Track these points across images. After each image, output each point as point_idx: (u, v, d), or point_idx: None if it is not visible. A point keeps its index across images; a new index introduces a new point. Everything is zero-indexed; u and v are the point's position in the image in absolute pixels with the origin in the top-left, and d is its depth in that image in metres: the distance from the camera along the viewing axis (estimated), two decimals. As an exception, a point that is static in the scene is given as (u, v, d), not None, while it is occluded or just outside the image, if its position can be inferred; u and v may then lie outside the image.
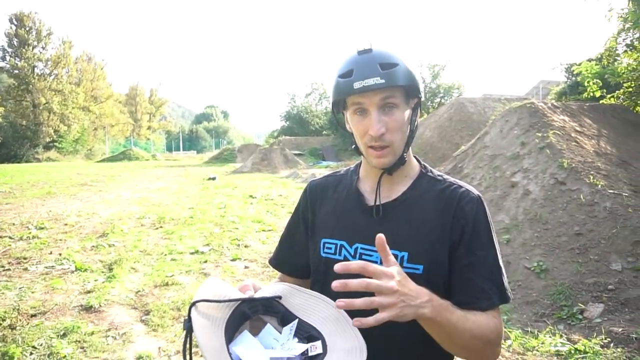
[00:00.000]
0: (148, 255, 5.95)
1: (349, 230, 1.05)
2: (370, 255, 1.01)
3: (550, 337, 3.34)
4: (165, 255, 5.96)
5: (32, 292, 4.44)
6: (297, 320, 0.88)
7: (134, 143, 45.78)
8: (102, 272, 5.19)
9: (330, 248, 1.07)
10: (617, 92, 11.08)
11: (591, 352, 3.03)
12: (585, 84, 11.60)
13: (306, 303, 0.92)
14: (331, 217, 1.10)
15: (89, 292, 4.48)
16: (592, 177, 5.24)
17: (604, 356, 2.98)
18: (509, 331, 3.44)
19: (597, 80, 11.37)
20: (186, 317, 0.81)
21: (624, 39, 11.49)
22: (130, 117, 54.91)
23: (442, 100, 32.12)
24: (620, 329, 3.29)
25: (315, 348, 0.83)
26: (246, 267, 5.55)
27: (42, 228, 7.49)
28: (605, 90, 11.30)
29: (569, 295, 3.93)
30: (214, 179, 16.99)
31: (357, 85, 0.93)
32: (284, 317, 0.90)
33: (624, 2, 10.73)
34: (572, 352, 3.08)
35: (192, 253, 6.09)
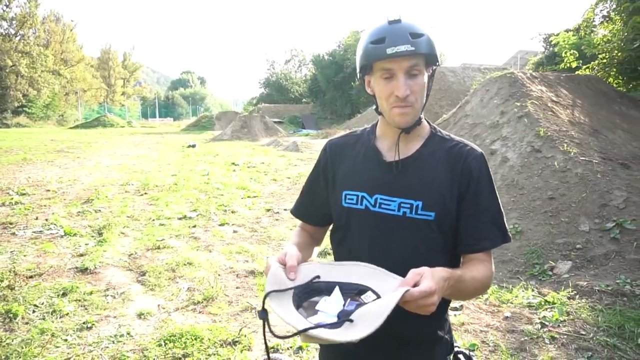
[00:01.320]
0: (136, 221, 6.02)
1: (368, 182, 1.20)
2: (389, 205, 1.16)
3: (523, 291, 3.64)
4: (154, 220, 6.05)
5: (25, 256, 4.50)
6: (338, 286, 1.02)
7: (108, 109, 44.51)
8: (92, 236, 5.26)
9: (352, 199, 1.21)
10: (592, 63, 11.38)
11: (559, 303, 3.33)
12: (563, 54, 11.86)
13: (342, 270, 1.06)
14: (351, 171, 1.24)
15: (82, 255, 4.57)
16: (565, 145, 5.52)
17: (570, 306, 3.28)
18: (486, 286, 3.72)
19: (574, 51, 11.64)
20: (260, 310, 0.95)
21: (601, 10, 11.72)
22: (103, 82, 53.13)
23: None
24: (585, 283, 3.61)
25: (368, 296, 0.98)
26: (235, 232, 5.69)
27: (24, 194, 7.43)
28: (581, 61, 11.59)
29: (540, 254, 4.24)
30: (194, 146, 16.86)
31: (389, 50, 1.05)
32: (329, 291, 1.03)
33: (603, -27, 10.90)
34: (542, 303, 3.38)
35: (180, 218, 6.19)
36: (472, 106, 7.53)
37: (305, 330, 0.85)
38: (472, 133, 6.84)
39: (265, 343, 1.05)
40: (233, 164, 11.91)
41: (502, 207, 1.19)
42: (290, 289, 0.99)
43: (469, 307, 3.43)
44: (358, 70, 1.18)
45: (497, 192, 1.19)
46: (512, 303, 3.46)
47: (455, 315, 3.26)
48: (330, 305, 0.98)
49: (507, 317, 3.24)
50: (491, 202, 1.17)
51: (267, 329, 0.95)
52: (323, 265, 1.09)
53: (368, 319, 0.86)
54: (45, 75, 38.43)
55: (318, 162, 1.34)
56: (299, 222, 1.42)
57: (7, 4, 37.63)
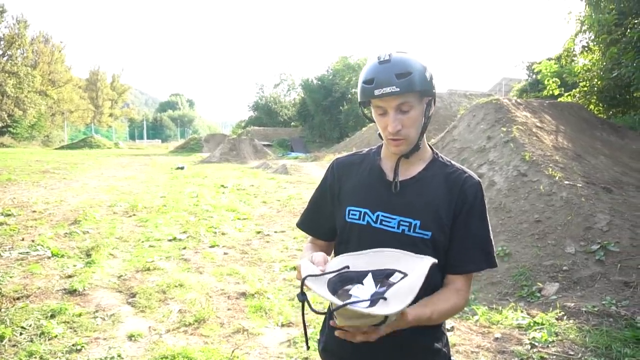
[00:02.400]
0: (125, 242, 5.97)
1: (371, 200, 1.28)
2: (389, 222, 1.24)
3: (512, 312, 3.69)
4: (143, 242, 6.00)
5: (11, 277, 4.42)
6: (370, 273, 1.09)
7: (95, 130, 44.25)
8: (80, 257, 5.19)
9: (355, 214, 1.29)
10: (573, 90, 11.77)
11: (547, 324, 3.39)
12: (545, 82, 12.26)
13: (367, 259, 1.14)
14: (356, 188, 1.32)
15: (70, 276, 4.51)
16: (550, 170, 5.67)
17: (558, 327, 3.34)
18: (477, 308, 3.77)
19: (556, 79, 12.04)
20: (299, 293, 1.03)
21: (580, 41, 12.20)
22: (90, 103, 52.88)
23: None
24: (572, 304, 3.67)
25: (396, 277, 1.05)
26: (225, 254, 5.68)
27: (9, 215, 7.32)
28: (563, 89, 11.99)
29: (528, 276, 4.31)
30: (182, 168, 16.82)
31: (377, 92, 1.15)
32: (359, 279, 1.09)
33: (582, 6, 11.39)
34: (531, 324, 3.43)
35: (169, 240, 6.15)
36: (459, 131, 7.72)
37: (345, 305, 0.91)
38: (459, 157, 6.99)
39: (304, 324, 1.14)
40: (222, 186, 11.89)
41: (491, 235, 1.27)
42: (325, 273, 1.07)
43: (460, 328, 3.46)
44: (359, 104, 1.27)
45: (488, 220, 1.28)
46: (502, 324, 3.50)
47: (448, 330, 3.28)
48: (363, 291, 1.05)
49: (498, 338, 3.28)
50: (481, 228, 1.25)
51: (308, 307, 1.02)
52: (349, 256, 1.17)
53: (400, 295, 0.95)
54: (31, 95, 38.19)
55: (325, 179, 1.42)
56: (308, 238, 1.50)
57: (-4, 24, 37.63)
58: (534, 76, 15.73)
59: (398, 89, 1.13)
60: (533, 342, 3.15)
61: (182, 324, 3.54)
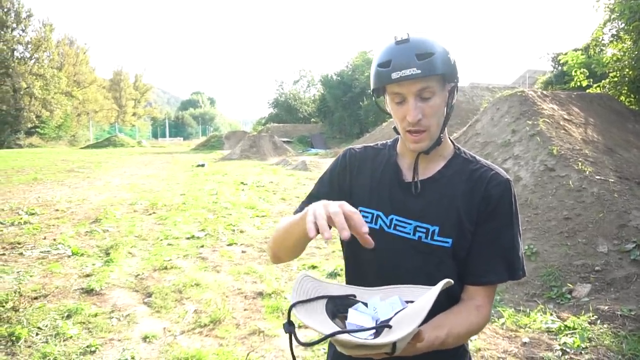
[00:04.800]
0: (144, 240, 5.97)
1: (385, 201, 1.12)
2: (404, 227, 1.09)
3: (541, 315, 3.50)
4: (161, 240, 5.99)
5: (31, 276, 4.45)
6: (377, 296, 0.94)
7: (118, 129, 45.04)
8: (99, 256, 5.21)
9: (366, 217, 1.13)
10: (602, 81, 11.29)
11: (579, 328, 3.19)
12: (572, 73, 11.80)
13: (381, 294, 0.98)
14: (368, 187, 1.16)
15: (88, 275, 4.51)
16: (580, 164, 5.41)
17: (592, 331, 3.14)
18: (503, 310, 3.59)
19: (584, 70, 11.57)
20: (285, 322, 0.87)
21: (609, 29, 11.68)
22: (114, 103, 53.93)
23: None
24: (606, 307, 3.46)
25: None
26: (243, 252, 5.61)
27: (33, 214, 7.44)
28: (591, 80, 11.52)
29: (558, 276, 4.10)
30: (203, 165, 16.91)
31: (394, 75, 0.98)
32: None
33: (611, -7, 10.90)
34: (562, 328, 3.24)
35: (188, 238, 6.13)
36: (482, 125, 7.47)
37: (334, 334, 0.76)
38: (483, 152, 6.75)
39: (293, 358, 0.98)
40: (242, 183, 11.89)
41: (520, 243, 1.10)
42: (320, 297, 0.92)
43: (485, 331, 3.29)
44: (372, 91, 1.11)
45: (518, 226, 1.10)
46: (530, 328, 3.32)
47: (470, 340, 3.13)
48: (362, 317, 0.90)
49: (526, 342, 3.10)
50: (505, 233, 1.08)
51: (293, 342, 0.86)
52: (357, 289, 1.01)
53: (407, 321, 0.79)
54: (58, 96, 39.15)
55: (333, 167, 1.25)
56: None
57: (24, 28, 38.68)
58: (560, 68, 15.19)
59: (419, 71, 0.96)
60: (564, 348, 2.96)
61: (197, 324, 3.48)
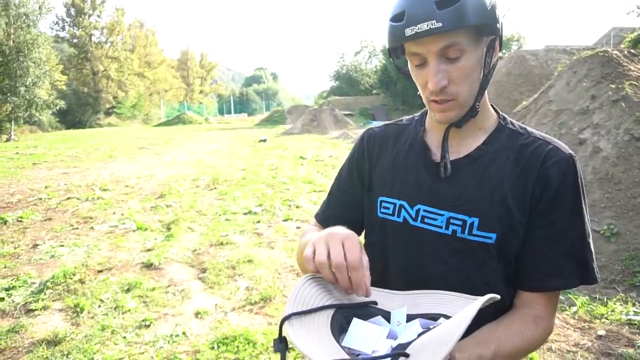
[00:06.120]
0: (203, 216, 6.13)
1: (410, 188, 0.93)
2: (435, 219, 0.89)
3: (621, 305, 3.12)
4: (220, 215, 6.12)
5: (99, 250, 4.71)
6: (417, 320, 0.75)
7: (187, 107, 46.96)
8: (161, 231, 5.41)
9: (387, 208, 0.95)
10: None
11: (669, 321, 2.80)
12: (668, 28, 10.39)
13: (405, 301, 0.80)
14: (390, 172, 0.97)
15: (149, 250, 4.69)
16: (674, 132, 4.72)
17: (684, 326, 2.74)
18: (575, 297, 3.24)
19: (683, 24, 10.14)
20: (276, 338, 0.71)
21: None
22: (182, 81, 56.20)
23: (500, 54, 30.12)
24: (703, 298, 3.01)
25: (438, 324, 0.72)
26: (298, 228, 5.58)
27: (106, 190, 7.91)
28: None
29: (643, 260, 3.63)
30: (264, 140, 17.16)
31: (408, 31, 0.77)
32: (386, 318, 0.78)
33: None
34: (647, 321, 2.86)
35: (245, 213, 6.21)
36: (556, 91, 6.77)
37: None
38: (556, 121, 6.14)
39: None
40: (301, 157, 11.91)
41: (590, 236, 0.85)
42: (324, 308, 0.73)
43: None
44: (388, 52, 0.88)
45: (585, 213, 0.85)
46: (607, 319, 2.96)
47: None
48: (368, 331, 0.71)
49: (601, 336, 2.77)
50: (573, 224, 0.84)
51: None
52: (379, 292, 0.82)
53: (430, 350, 0.60)
54: (131, 77, 41.47)
55: (352, 154, 1.07)
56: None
57: (99, 14, 41.01)
58: (654, 22, 13.47)
59: (440, 24, 0.74)
60: (648, 344, 2.61)
61: (247, 302, 3.48)
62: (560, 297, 3.25)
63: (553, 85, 7.00)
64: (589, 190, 4.66)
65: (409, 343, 0.66)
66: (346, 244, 0.73)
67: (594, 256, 0.86)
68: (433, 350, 0.58)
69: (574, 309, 3.10)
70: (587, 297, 3.26)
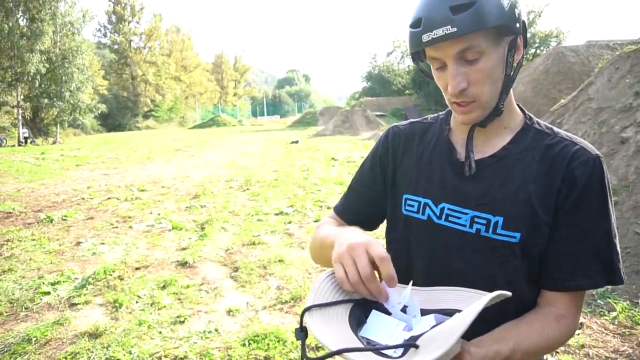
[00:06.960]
0: (236, 216, 6.25)
1: (435, 186, 0.94)
2: (459, 218, 0.89)
3: (665, 310, 2.98)
4: (252, 215, 6.22)
5: (137, 248, 4.88)
6: (432, 315, 0.75)
7: (221, 110, 47.96)
8: (195, 231, 5.56)
9: (412, 205, 0.96)
10: None
11: None
12: None
13: (425, 297, 0.81)
14: (415, 170, 0.98)
15: (184, 249, 4.83)
16: None
17: None
18: (614, 302, 3.12)
19: None
20: (297, 327, 0.75)
21: None
22: (217, 84, 57.46)
23: (538, 51, 29.23)
24: None
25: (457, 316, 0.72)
26: (328, 228, 5.61)
27: (143, 190, 8.20)
28: None
29: (690, 265, 3.45)
30: (296, 142, 17.32)
31: (425, 37, 0.79)
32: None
33: None
34: (693, 328, 2.72)
35: (276, 214, 6.29)
36: (597, 88, 6.52)
37: (341, 351, 0.62)
38: (596, 119, 5.91)
39: None
40: (333, 159, 11.95)
41: (616, 236, 0.84)
42: (344, 302, 0.77)
43: (591, 325, 2.89)
44: (411, 58, 0.90)
45: (612, 214, 0.84)
46: (649, 325, 2.84)
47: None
48: (386, 323, 0.74)
49: (643, 342, 2.66)
50: (599, 225, 0.83)
51: (304, 352, 0.72)
52: (399, 289, 0.82)
53: (437, 341, 0.62)
54: (168, 81, 42.79)
55: (375, 150, 1.08)
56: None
57: (138, 20, 42.53)
58: None
59: (455, 29, 0.75)
60: (694, 352, 2.48)
61: (278, 301, 3.54)
62: (599, 301, 3.15)
63: (593, 82, 6.75)
64: (630, 191, 4.47)
65: (420, 335, 0.67)
66: (371, 251, 0.74)
67: (620, 257, 0.85)
68: (439, 342, 0.60)
69: (613, 314, 2.99)
70: (627, 302, 3.13)
